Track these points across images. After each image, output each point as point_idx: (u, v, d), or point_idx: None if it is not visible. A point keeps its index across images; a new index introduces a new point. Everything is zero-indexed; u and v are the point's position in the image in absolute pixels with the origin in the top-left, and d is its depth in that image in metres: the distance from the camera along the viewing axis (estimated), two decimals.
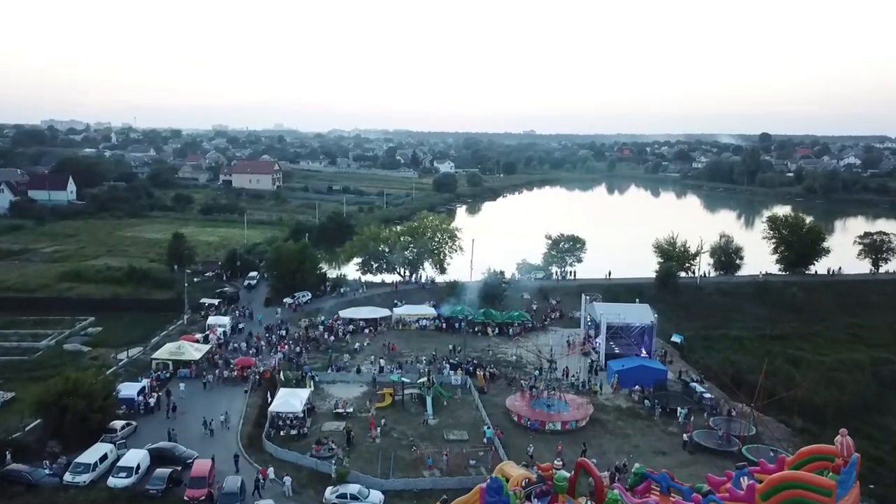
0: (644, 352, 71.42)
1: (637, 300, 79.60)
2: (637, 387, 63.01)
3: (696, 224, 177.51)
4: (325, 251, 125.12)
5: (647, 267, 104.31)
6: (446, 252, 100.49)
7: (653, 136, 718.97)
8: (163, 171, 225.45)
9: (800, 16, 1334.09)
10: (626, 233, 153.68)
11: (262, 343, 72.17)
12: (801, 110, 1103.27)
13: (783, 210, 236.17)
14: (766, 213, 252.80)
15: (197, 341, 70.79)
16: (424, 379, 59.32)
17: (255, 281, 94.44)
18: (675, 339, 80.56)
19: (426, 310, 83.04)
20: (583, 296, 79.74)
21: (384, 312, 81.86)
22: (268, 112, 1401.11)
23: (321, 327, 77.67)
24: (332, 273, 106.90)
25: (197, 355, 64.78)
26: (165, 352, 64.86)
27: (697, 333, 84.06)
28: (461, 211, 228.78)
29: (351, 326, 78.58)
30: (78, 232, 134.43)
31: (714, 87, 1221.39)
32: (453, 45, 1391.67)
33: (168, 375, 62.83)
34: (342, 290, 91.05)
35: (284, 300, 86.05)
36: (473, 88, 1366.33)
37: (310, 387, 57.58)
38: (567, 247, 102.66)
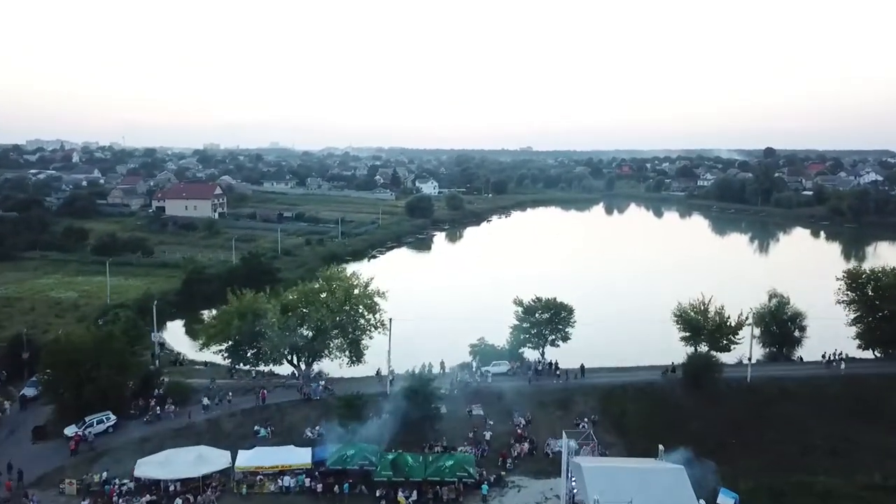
0: None
1: (661, 447, 44.89)
2: None
3: (717, 260, 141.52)
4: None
5: (663, 344, 70.33)
6: (365, 327, 65.67)
7: (652, 151, 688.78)
8: (80, 198, 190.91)
9: (798, 25, 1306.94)
10: (630, 278, 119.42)
11: None
12: (801, 124, 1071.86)
13: (803, 232, 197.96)
14: (784, 236, 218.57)
15: None
16: None
17: (36, 389, 59.08)
18: (725, 498, 45.97)
19: (293, 456, 48.18)
20: (564, 439, 45.07)
21: (219, 462, 47.07)
22: (265, 130, 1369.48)
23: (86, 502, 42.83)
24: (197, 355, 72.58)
25: None
26: None
27: (759, 483, 49.30)
28: (439, 238, 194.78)
29: (147, 498, 43.80)
30: None
31: (711, 100, 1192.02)
32: (453, 62, 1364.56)
33: None
34: (169, 407, 55.78)
35: (66, 430, 51.36)
36: (472, 105, 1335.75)
37: None
38: (546, 317, 68.11)
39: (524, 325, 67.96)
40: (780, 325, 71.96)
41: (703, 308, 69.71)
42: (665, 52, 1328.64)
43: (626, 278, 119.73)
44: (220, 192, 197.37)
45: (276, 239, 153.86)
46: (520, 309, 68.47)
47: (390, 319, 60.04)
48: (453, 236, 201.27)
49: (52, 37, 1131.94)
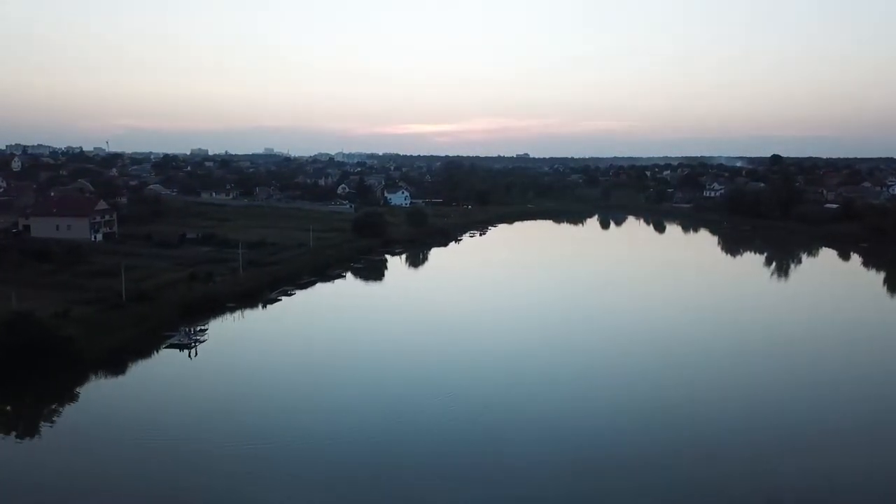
0: None
1: None
2: None
3: (766, 337, 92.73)
4: None
5: None
6: None
7: (651, 158, 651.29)
8: None
9: (798, 26, 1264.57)
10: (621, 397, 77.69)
11: None
12: (802, 131, 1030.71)
13: (834, 255, 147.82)
14: (829, 265, 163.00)
15: None
16: None
17: None
18: None
19: None
20: None
21: None
22: (262, 136, 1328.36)
23: None
24: None
25: None
26: None
27: None
28: (395, 263, 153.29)
29: None
30: None
31: (710, 104, 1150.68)
32: (451, 65, 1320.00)
33: None
34: None
35: None
36: (470, 111, 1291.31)
37: None
38: None
39: None
40: None
41: None
42: (664, 54, 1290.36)
43: (611, 389, 78.07)
44: (105, 208, 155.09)
45: (157, 270, 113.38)
46: None
47: None
48: (404, 263, 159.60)
49: (50, 37, 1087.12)
